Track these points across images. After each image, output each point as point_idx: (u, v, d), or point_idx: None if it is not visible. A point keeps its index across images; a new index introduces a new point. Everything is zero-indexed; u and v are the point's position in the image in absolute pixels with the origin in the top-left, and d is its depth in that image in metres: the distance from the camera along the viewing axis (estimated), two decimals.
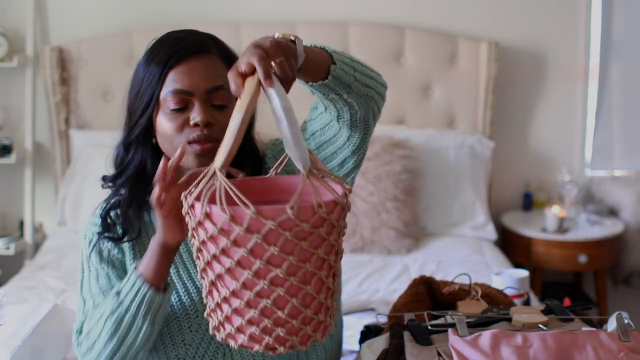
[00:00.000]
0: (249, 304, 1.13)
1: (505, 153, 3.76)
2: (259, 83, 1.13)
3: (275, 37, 1.22)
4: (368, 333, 1.66)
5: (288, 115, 1.12)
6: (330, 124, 1.48)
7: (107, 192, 1.59)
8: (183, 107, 1.45)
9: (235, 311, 1.14)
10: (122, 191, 1.53)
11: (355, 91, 1.39)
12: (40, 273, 3.03)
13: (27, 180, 3.65)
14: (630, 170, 3.80)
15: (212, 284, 1.15)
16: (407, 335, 1.43)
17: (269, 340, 1.15)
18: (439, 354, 1.38)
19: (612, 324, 1.46)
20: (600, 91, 3.74)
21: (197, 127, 1.43)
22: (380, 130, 3.53)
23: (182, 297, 1.51)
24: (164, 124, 1.46)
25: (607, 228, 3.54)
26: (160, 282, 1.41)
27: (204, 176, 1.13)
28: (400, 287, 2.74)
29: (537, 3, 3.70)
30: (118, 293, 1.42)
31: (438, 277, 2.90)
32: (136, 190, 1.52)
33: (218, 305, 1.16)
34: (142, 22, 3.65)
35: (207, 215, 1.11)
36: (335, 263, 1.18)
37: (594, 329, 1.47)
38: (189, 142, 1.44)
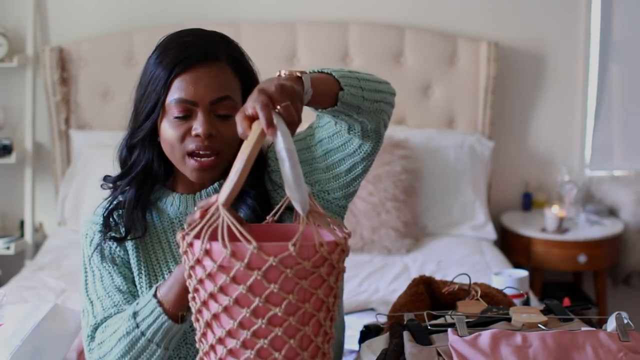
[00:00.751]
0: (244, 345, 1.11)
1: (505, 153, 3.76)
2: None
3: (282, 75, 1.22)
4: (368, 333, 1.66)
5: (291, 157, 1.12)
6: (340, 133, 1.48)
7: (108, 193, 1.58)
8: (186, 115, 1.44)
9: (230, 352, 1.12)
10: (128, 190, 1.52)
11: (365, 110, 1.40)
12: (40, 273, 3.03)
13: (27, 180, 3.65)
14: (630, 170, 3.81)
15: (207, 324, 1.13)
16: (406, 335, 1.43)
17: None
18: (439, 354, 1.39)
19: (611, 324, 1.46)
20: (600, 91, 3.74)
21: (199, 137, 1.43)
22: None
23: None
24: (167, 130, 1.45)
25: (607, 228, 3.54)
26: (178, 312, 1.39)
27: (206, 213, 1.13)
28: (400, 287, 2.74)
29: (537, 3, 3.70)
30: (135, 314, 1.40)
31: (438, 277, 2.90)
32: (143, 190, 1.52)
33: (212, 347, 1.14)
34: (142, 22, 3.65)
35: (207, 252, 1.10)
36: (333, 307, 1.16)
37: (593, 328, 1.47)
38: (188, 153, 1.44)
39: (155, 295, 1.38)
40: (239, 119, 1.16)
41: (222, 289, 1.10)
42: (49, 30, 3.68)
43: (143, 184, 1.52)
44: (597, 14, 3.67)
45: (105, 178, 1.57)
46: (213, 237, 1.09)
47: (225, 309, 1.10)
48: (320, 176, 1.52)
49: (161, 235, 1.54)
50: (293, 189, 1.12)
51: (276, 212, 1.24)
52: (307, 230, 1.12)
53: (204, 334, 1.15)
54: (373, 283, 2.96)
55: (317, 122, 1.53)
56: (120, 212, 1.54)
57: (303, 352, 1.13)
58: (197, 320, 1.16)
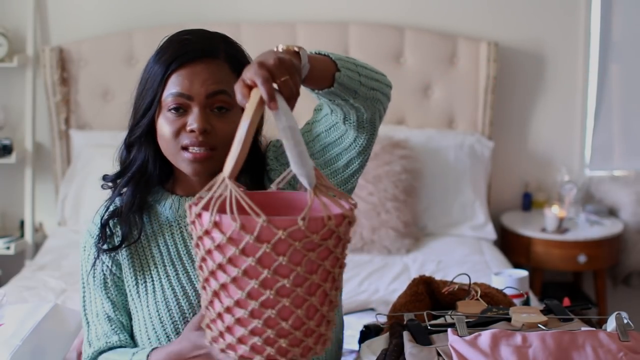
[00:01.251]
0: (252, 314, 1.13)
1: (504, 153, 3.76)
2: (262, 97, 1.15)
3: (279, 49, 1.22)
4: (368, 333, 1.66)
5: (293, 134, 1.14)
6: (336, 125, 1.48)
7: (108, 192, 1.59)
8: (182, 111, 1.44)
9: (238, 321, 1.14)
10: (125, 191, 1.52)
11: (362, 95, 1.40)
12: (40, 273, 3.03)
13: (27, 180, 3.65)
14: (630, 170, 3.81)
15: (215, 294, 1.15)
16: (406, 335, 1.43)
17: (271, 352, 1.14)
18: (439, 354, 1.39)
19: (611, 324, 1.46)
20: (600, 91, 3.74)
21: (193, 133, 1.43)
22: (380, 130, 3.49)
23: (181, 302, 1.51)
24: (163, 126, 1.45)
25: (607, 228, 3.54)
26: None
27: (212, 185, 1.14)
28: (400, 287, 2.74)
29: (536, 3, 3.70)
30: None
31: (438, 277, 2.90)
32: (138, 191, 1.52)
33: (219, 315, 1.15)
34: (142, 22, 3.65)
35: (216, 224, 1.11)
36: (338, 276, 1.18)
37: (593, 328, 1.48)
38: (183, 147, 1.44)
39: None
40: (238, 86, 1.16)
41: (231, 261, 1.11)
42: (49, 30, 3.68)
43: (139, 184, 1.51)
44: (597, 14, 3.67)
45: (105, 177, 1.57)
46: (221, 210, 1.10)
47: (234, 280, 1.12)
48: None
49: (158, 238, 1.54)
50: (298, 164, 1.14)
51: (281, 181, 1.24)
52: (314, 203, 1.13)
53: (211, 302, 1.16)
54: (373, 283, 2.96)
55: (314, 117, 1.54)
56: (116, 220, 1.54)
57: (309, 321, 1.15)
58: (204, 288, 1.17)
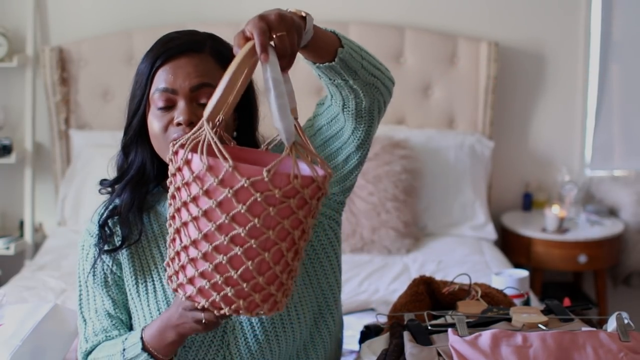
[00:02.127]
0: (205, 257, 1.15)
1: (505, 153, 3.76)
2: (254, 49, 1.16)
3: (285, 10, 1.23)
4: (368, 333, 1.66)
5: (276, 86, 1.14)
6: (337, 117, 1.49)
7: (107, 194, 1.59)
8: (169, 105, 1.45)
9: (192, 261, 1.16)
10: (124, 194, 1.52)
11: (362, 78, 1.40)
12: (40, 273, 3.03)
13: (27, 180, 3.65)
14: (630, 170, 3.80)
15: (177, 231, 1.18)
16: (407, 335, 1.43)
17: (216, 298, 1.16)
18: (439, 354, 1.39)
19: (612, 324, 1.46)
20: (600, 91, 3.74)
21: (180, 126, 1.43)
22: (380, 130, 3.51)
23: None
24: (152, 123, 1.46)
25: (607, 228, 3.54)
26: (168, 356, 1.44)
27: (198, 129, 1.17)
28: (400, 287, 2.74)
29: (537, 3, 3.70)
30: (124, 352, 1.45)
31: (438, 277, 2.89)
32: (138, 192, 1.52)
33: (177, 253, 1.18)
34: (142, 22, 3.65)
35: (187, 162, 1.14)
36: (299, 240, 1.19)
37: (594, 329, 1.47)
38: (172, 142, 1.45)
39: (142, 339, 1.43)
40: (235, 37, 1.19)
41: (194, 200, 1.14)
42: (49, 30, 3.68)
43: (138, 185, 1.52)
44: (597, 14, 3.67)
45: (102, 182, 1.57)
46: (196, 149, 1.14)
47: (194, 219, 1.15)
48: None
49: (159, 239, 1.54)
50: (277, 118, 1.15)
51: (270, 142, 1.27)
52: (288, 161, 1.14)
53: (173, 240, 1.19)
54: (373, 283, 2.96)
55: (316, 111, 1.55)
56: (116, 220, 1.54)
57: (259, 277, 1.16)
58: (170, 225, 1.20)
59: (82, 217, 3.45)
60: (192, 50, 1.45)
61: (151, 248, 1.54)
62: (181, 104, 1.44)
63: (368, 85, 1.42)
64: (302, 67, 4.09)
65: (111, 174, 1.56)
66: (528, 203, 3.76)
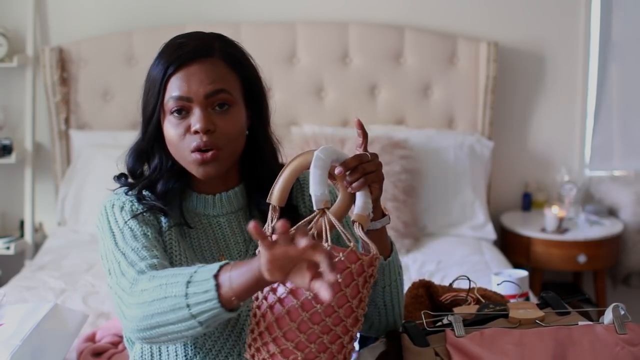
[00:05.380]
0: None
1: (504, 153, 3.76)
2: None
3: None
4: (368, 336, 1.66)
5: (316, 162, 1.33)
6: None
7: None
8: (184, 113, 1.45)
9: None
10: (159, 187, 1.51)
11: (388, 291, 1.49)
12: (40, 273, 3.03)
13: (27, 180, 3.65)
14: (630, 170, 3.81)
15: (263, 314, 1.34)
16: (404, 336, 1.44)
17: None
18: (437, 354, 1.39)
19: (608, 316, 1.46)
20: (600, 91, 3.74)
21: (198, 134, 1.44)
22: (380, 130, 3.53)
23: (216, 259, 1.52)
24: (169, 131, 1.47)
25: (607, 228, 3.54)
26: (236, 301, 1.25)
27: (312, 220, 1.34)
28: None
29: (536, 3, 3.70)
30: (189, 283, 1.27)
31: (438, 276, 2.92)
32: (172, 186, 1.51)
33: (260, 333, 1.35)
34: (142, 22, 3.65)
35: None
36: (357, 308, 1.31)
37: (590, 322, 1.48)
38: (192, 151, 1.45)
39: (216, 277, 1.25)
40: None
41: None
42: (49, 30, 3.68)
43: (170, 181, 1.51)
44: (597, 14, 3.67)
45: (120, 179, 1.54)
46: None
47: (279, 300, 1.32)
48: None
49: (199, 230, 1.54)
50: (311, 184, 1.32)
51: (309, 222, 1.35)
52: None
53: (255, 317, 1.36)
54: None
55: None
56: (149, 194, 1.51)
57: (331, 346, 1.32)
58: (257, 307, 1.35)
59: (82, 217, 3.45)
60: (202, 55, 1.46)
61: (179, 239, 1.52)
62: (197, 112, 1.44)
63: (387, 304, 1.51)
64: (303, 67, 4.08)
65: (117, 171, 1.56)
66: (527, 203, 3.76)
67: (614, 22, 3.70)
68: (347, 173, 1.37)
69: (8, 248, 3.51)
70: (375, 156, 1.39)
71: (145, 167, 1.54)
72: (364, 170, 1.37)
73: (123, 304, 1.37)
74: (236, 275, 1.24)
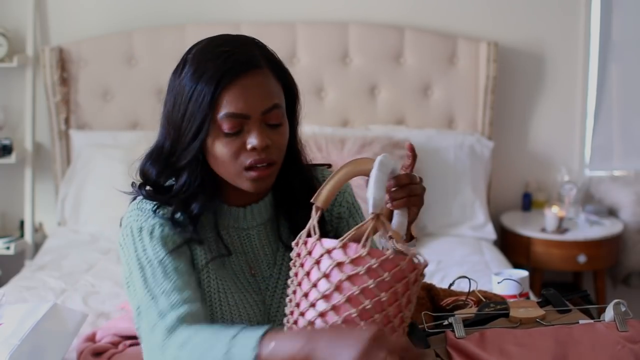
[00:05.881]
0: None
1: (504, 153, 3.76)
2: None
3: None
4: None
5: (381, 167, 1.37)
6: None
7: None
8: (238, 130, 1.38)
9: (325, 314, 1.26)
10: (194, 207, 1.43)
11: None
12: (40, 273, 3.03)
13: (27, 180, 3.65)
14: (630, 170, 3.81)
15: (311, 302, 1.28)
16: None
17: None
18: (437, 355, 1.39)
19: (609, 313, 1.46)
20: (600, 91, 3.74)
21: (255, 151, 1.38)
22: (380, 130, 3.53)
23: (246, 273, 1.50)
24: (220, 148, 1.39)
25: (607, 228, 3.54)
26: None
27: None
28: None
29: (536, 3, 3.70)
30: (229, 350, 1.22)
31: (437, 277, 2.92)
32: (209, 205, 1.44)
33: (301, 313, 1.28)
34: (142, 22, 3.65)
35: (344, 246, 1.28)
36: (404, 309, 1.28)
37: (591, 320, 1.47)
38: (247, 168, 1.39)
39: (259, 347, 1.20)
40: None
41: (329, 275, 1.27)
42: (49, 30, 3.69)
43: (209, 200, 1.44)
44: (597, 14, 3.67)
45: (140, 188, 1.46)
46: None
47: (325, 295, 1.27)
48: None
49: (239, 252, 1.51)
50: (369, 188, 1.33)
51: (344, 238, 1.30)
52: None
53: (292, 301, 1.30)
54: None
55: None
56: (183, 215, 1.43)
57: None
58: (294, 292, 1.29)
59: (82, 217, 3.45)
60: (254, 66, 1.39)
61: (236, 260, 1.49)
62: (254, 129, 1.38)
63: None
64: (303, 67, 4.08)
65: (128, 180, 1.48)
66: (527, 203, 3.76)
67: (614, 22, 3.70)
68: (393, 189, 1.38)
69: (8, 248, 3.51)
70: (421, 180, 1.41)
71: (162, 179, 1.46)
72: (410, 191, 1.39)
73: (158, 349, 1.32)
74: (278, 348, 1.19)
